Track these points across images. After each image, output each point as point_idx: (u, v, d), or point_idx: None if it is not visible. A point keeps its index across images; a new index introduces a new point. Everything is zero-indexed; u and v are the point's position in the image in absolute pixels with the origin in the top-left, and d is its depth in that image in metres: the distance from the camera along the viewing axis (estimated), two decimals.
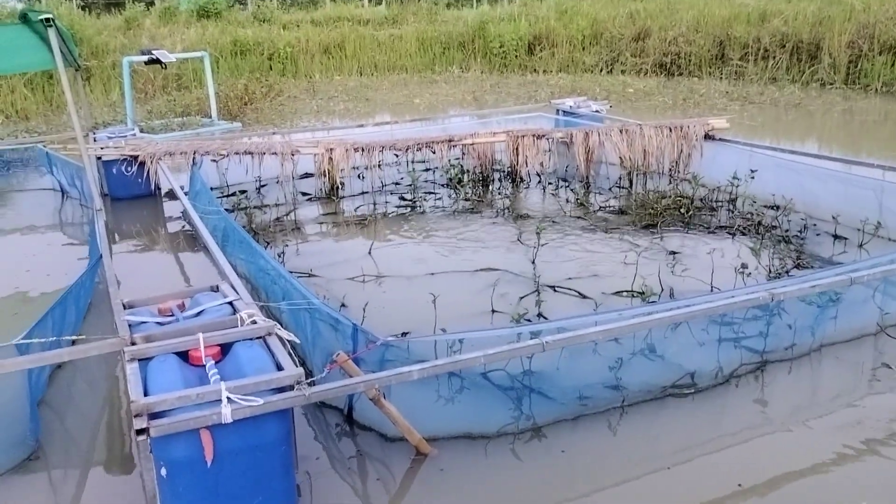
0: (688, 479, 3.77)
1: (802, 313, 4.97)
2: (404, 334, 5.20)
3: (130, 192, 9.52)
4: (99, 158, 9.47)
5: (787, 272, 6.24)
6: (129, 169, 9.38)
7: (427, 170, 10.11)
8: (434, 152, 9.37)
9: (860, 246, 6.87)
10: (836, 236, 7.10)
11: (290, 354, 3.46)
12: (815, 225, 7.39)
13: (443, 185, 9.74)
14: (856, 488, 3.63)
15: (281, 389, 3.19)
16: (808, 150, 9.90)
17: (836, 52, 17.59)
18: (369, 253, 7.27)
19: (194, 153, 8.98)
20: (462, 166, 9.72)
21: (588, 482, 3.77)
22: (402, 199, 9.28)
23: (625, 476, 3.80)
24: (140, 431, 2.90)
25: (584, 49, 22.48)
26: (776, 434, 4.15)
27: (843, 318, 5.13)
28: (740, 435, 4.14)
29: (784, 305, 4.81)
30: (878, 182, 7.29)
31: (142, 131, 12.47)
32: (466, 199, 9.10)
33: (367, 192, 9.55)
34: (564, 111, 11.51)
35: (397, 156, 9.63)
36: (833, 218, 7.12)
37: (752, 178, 8.05)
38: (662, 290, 5.98)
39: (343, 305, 5.88)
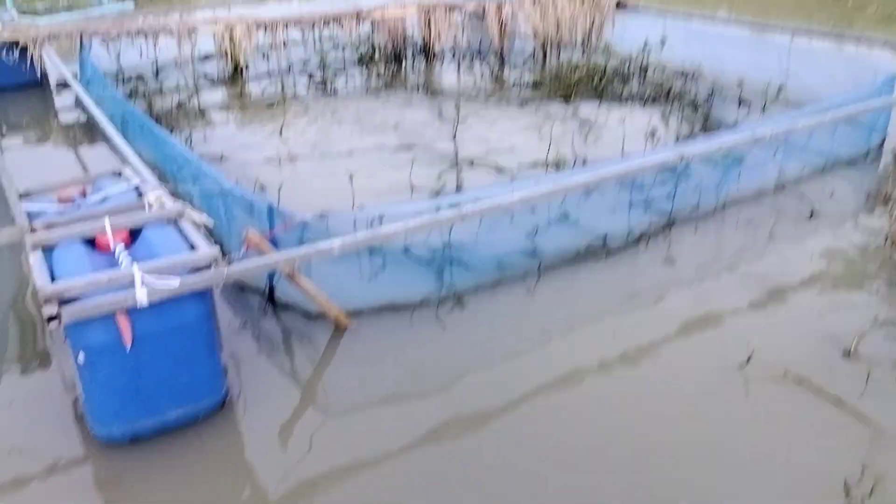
0: (603, 335, 3.96)
1: (708, 175, 5.16)
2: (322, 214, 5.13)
3: (14, 81, 8.78)
4: None
5: (693, 137, 6.42)
6: (9, 55, 8.61)
7: (336, 47, 9.71)
8: (342, 26, 8.96)
9: (763, 109, 7.10)
10: (741, 101, 7.31)
11: (203, 235, 3.37)
12: (721, 90, 7.57)
13: (354, 63, 9.40)
14: (751, 334, 3.91)
15: (198, 270, 3.11)
16: (720, 15, 9.99)
17: None
18: (280, 134, 7.04)
19: (81, 35, 8.29)
20: (373, 42, 9.38)
21: (509, 343, 3.91)
22: (312, 78, 8.93)
23: (543, 337, 3.95)
24: (51, 318, 2.79)
25: None
26: (683, 290, 4.38)
27: (744, 179, 5.36)
28: (651, 291, 4.35)
29: (691, 168, 4.97)
30: (783, 46, 7.48)
31: (22, 13, 11.39)
32: (379, 77, 8.84)
33: (273, 73, 9.13)
34: None
35: (303, 31, 9.16)
36: (738, 83, 7.31)
37: (663, 46, 8.11)
38: (576, 158, 6.08)
39: (262, 188, 5.73)
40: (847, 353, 3.65)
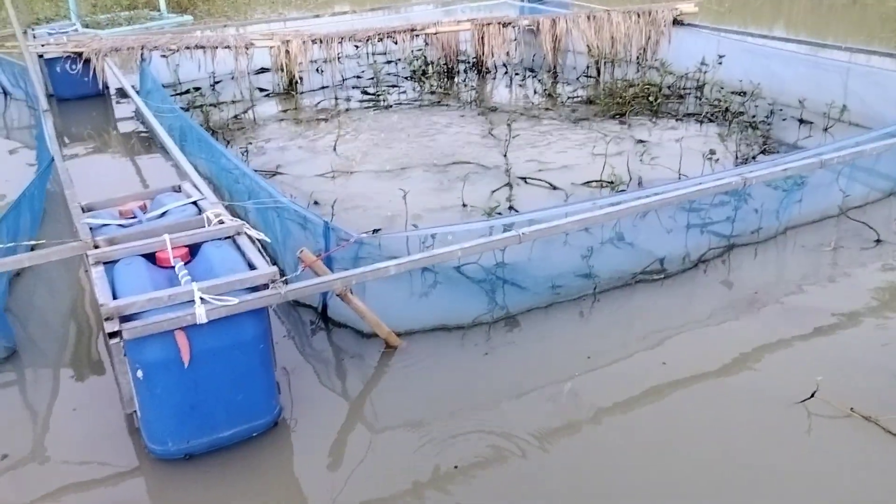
0: (656, 362, 3.85)
1: (768, 198, 5.01)
2: (375, 231, 5.14)
3: (77, 92, 9.05)
4: (41, 56, 8.92)
5: (753, 158, 6.26)
6: (73, 67, 8.88)
7: (389, 62, 9.78)
8: (396, 43, 9.02)
9: (825, 130, 6.89)
10: (801, 121, 7.10)
11: (261, 253, 3.38)
12: (781, 110, 7.38)
13: (406, 78, 9.44)
14: (813, 366, 3.76)
15: (255, 289, 3.12)
16: (776, 35, 9.77)
17: None
18: (334, 149, 7.09)
19: (142, 48, 8.51)
20: (426, 57, 9.41)
21: (561, 367, 3.83)
22: (365, 93, 8.99)
23: (595, 362, 3.86)
24: (112, 335, 2.83)
25: None
26: (741, 317, 4.24)
27: (807, 202, 5.19)
28: (709, 317, 4.23)
29: (751, 190, 4.83)
30: (843, 65, 7.26)
31: (86, 27, 11.76)
32: (432, 92, 8.86)
33: (327, 87, 9.23)
34: None
35: (357, 47, 9.25)
36: (799, 102, 7.10)
37: (720, 63, 7.95)
38: (631, 178, 5.98)
39: (315, 203, 5.76)
40: None
